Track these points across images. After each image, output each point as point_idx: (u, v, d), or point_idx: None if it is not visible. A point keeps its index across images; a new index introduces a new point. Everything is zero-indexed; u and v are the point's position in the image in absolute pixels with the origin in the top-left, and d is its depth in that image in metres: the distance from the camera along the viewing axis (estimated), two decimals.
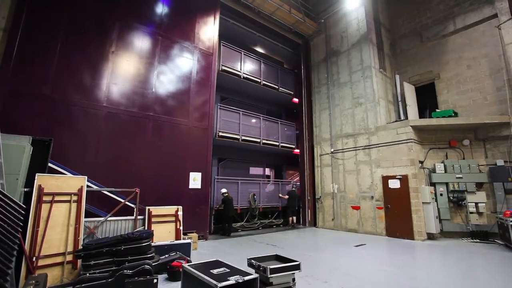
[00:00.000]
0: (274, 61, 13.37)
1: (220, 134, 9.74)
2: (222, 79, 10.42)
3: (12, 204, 3.49)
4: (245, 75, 11.00)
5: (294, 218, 11.24)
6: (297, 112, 13.12)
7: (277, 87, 12.18)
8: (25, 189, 4.41)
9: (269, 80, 11.95)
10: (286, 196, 11.30)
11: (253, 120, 11.30)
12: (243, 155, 11.79)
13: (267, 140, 11.32)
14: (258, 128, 11.26)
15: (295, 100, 13.01)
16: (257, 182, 11.07)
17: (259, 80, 11.50)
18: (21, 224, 3.57)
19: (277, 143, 11.69)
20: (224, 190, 9.24)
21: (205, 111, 8.88)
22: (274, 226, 11.02)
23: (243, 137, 10.40)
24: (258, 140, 10.97)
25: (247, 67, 11.28)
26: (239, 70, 10.82)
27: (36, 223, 4.41)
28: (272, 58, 13.66)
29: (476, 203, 8.47)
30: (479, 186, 8.63)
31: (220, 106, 10.26)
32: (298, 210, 11.69)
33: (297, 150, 12.41)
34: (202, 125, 8.69)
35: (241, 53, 11.12)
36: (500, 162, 8.34)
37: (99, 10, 7.19)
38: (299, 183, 12.50)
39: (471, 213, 8.45)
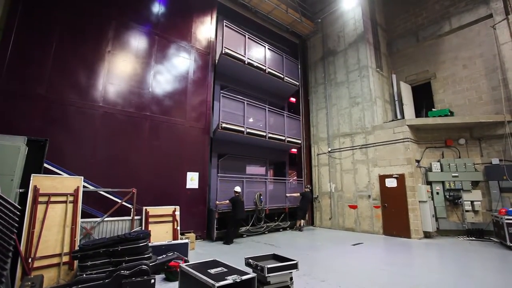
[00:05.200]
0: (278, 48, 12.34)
1: (223, 125, 8.69)
2: (223, 65, 9.76)
3: (7, 205, 3.46)
4: (249, 61, 9.99)
5: (303, 221, 10.35)
6: (294, 111, 13.03)
7: (282, 76, 11.25)
8: (21, 190, 4.36)
9: (273, 68, 10.98)
10: (297, 194, 10.51)
11: (258, 112, 10.25)
12: (244, 151, 10.80)
13: (273, 134, 10.25)
14: (263, 121, 10.18)
15: (292, 99, 12.99)
16: (263, 181, 10.06)
17: (264, 67, 10.49)
18: (16, 225, 3.54)
19: (283, 138, 10.62)
20: (238, 189, 8.16)
21: (202, 111, 8.85)
22: (281, 230, 10.15)
23: (247, 130, 9.33)
24: (264, 134, 9.90)
25: (251, 52, 10.30)
26: (243, 54, 9.87)
27: (32, 224, 4.37)
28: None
29: (472, 202, 8.54)
30: (475, 184, 8.71)
31: (223, 93, 9.24)
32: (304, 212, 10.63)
33: (294, 150, 12.36)
34: (199, 125, 8.67)
35: (245, 36, 10.22)
36: (496, 161, 8.42)
37: (95, 9, 7.13)
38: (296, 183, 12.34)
39: (467, 211, 8.53)
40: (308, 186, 11.33)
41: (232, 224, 7.96)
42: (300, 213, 10.27)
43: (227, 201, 8.00)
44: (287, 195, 10.48)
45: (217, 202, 8.19)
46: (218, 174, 8.97)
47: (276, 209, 10.06)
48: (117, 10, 7.53)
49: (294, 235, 9.36)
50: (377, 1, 12.33)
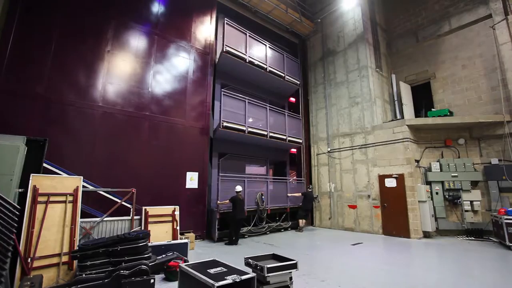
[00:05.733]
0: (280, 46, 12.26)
1: (225, 124, 8.57)
2: (223, 64, 9.73)
3: (6, 205, 3.45)
4: (250, 59, 9.90)
5: (304, 221, 10.21)
6: (294, 111, 12.98)
7: (283, 75, 11.16)
8: (20, 190, 4.36)
9: (274, 66, 10.89)
10: (299, 194, 10.41)
11: (259, 110, 10.09)
12: (244, 150, 10.55)
13: (274, 133, 10.14)
14: (264, 120, 10.04)
15: (292, 99, 12.99)
16: (264, 181, 9.91)
17: (265, 66, 10.42)
18: (15, 225, 3.54)
19: (285, 137, 10.54)
20: (239, 188, 7.95)
21: (201, 110, 8.85)
22: (282, 230, 10.04)
23: (249, 129, 9.20)
24: (265, 133, 9.79)
25: (252, 51, 10.22)
26: (244, 52, 9.81)
27: (31, 224, 4.36)
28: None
29: (471, 201, 8.55)
30: (474, 184, 8.72)
31: (224, 92, 9.08)
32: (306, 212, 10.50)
33: (294, 150, 12.35)
34: (198, 125, 8.66)
35: (246, 34, 10.12)
36: (495, 161, 8.44)
37: (95, 9, 7.13)
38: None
39: (466, 211, 8.53)
40: (310, 185, 11.28)
41: (233, 224, 7.76)
42: (302, 213, 10.14)
43: (227, 201, 7.92)
44: (289, 195, 10.40)
45: (218, 202, 8.08)
46: (220, 174, 8.80)
47: (278, 209, 9.96)
48: (116, 10, 7.52)
49: (295, 235, 9.35)
50: (377, 1, 12.32)
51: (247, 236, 8.76)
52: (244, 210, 8.11)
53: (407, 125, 8.96)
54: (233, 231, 7.70)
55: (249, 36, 10.28)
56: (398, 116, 10.57)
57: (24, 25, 6.03)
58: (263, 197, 9.27)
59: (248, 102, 9.61)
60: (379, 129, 9.66)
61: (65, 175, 5.50)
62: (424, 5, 11.23)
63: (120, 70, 7.34)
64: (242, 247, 7.34)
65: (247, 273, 2.97)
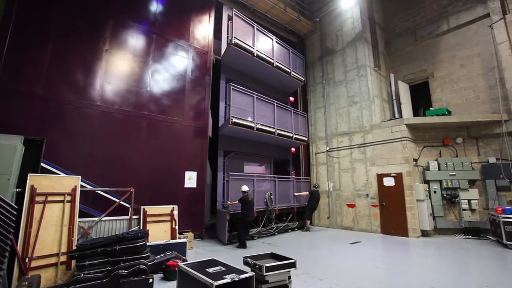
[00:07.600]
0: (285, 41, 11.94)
1: (234, 120, 8.31)
2: (228, 58, 9.57)
3: (4, 205, 3.44)
4: (258, 53, 9.56)
5: (308, 221, 10.04)
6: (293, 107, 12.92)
7: (289, 70, 10.95)
8: (17, 190, 4.34)
9: (280, 61, 10.67)
10: (306, 193, 10.30)
11: (266, 107, 9.81)
12: (248, 148, 10.32)
13: (281, 130, 9.96)
14: (271, 116, 9.78)
15: (291, 98, 12.99)
16: (272, 180, 9.59)
17: (272, 61, 10.12)
18: (13, 224, 3.53)
19: (291, 134, 10.40)
20: (246, 188, 7.51)
21: (200, 110, 8.83)
22: (290, 231, 9.76)
23: (257, 126, 8.94)
24: (273, 130, 9.58)
25: (259, 44, 9.86)
26: (252, 46, 9.46)
27: (29, 224, 4.35)
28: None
29: (469, 200, 8.60)
30: (472, 183, 8.76)
31: (233, 86, 8.75)
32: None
33: (293, 149, 12.36)
34: (197, 124, 8.64)
35: (253, 27, 9.75)
36: (492, 160, 8.48)
37: (92, 7, 7.08)
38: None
39: (464, 210, 8.58)
40: (316, 184, 10.97)
41: (241, 226, 7.33)
42: (308, 212, 9.96)
43: (237, 202, 7.56)
44: (296, 194, 10.28)
45: (229, 202, 7.71)
46: (230, 173, 8.34)
47: (285, 209, 9.75)
48: (115, 8, 7.48)
49: (297, 234, 9.28)
50: (375, 0, 12.33)
51: (256, 237, 8.33)
52: (254, 211, 7.74)
53: (405, 124, 8.99)
54: (242, 233, 7.32)
55: (257, 29, 9.92)
56: (397, 115, 10.60)
57: (22, 24, 5.98)
58: (272, 197, 8.99)
59: (256, 97, 9.32)
60: (378, 128, 9.67)
61: (63, 174, 5.48)
62: (423, 4, 11.25)
63: (118, 69, 7.31)
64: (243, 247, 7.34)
65: (246, 272, 2.98)
